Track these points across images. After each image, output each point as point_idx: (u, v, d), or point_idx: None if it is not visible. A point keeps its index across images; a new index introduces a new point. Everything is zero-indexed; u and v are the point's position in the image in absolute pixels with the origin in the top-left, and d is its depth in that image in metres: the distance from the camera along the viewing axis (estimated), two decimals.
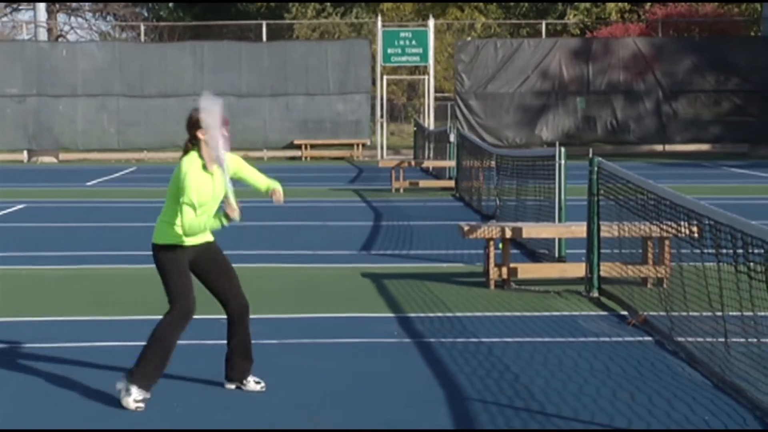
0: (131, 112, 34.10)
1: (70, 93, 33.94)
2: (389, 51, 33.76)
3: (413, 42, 33.90)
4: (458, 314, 9.15)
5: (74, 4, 53.13)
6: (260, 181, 6.87)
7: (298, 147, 34.48)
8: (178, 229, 6.38)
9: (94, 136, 34.03)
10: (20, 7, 51.80)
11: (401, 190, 21.66)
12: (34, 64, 34.02)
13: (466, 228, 10.88)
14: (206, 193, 6.40)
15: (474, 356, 7.60)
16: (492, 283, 10.40)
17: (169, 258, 6.42)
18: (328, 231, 15.31)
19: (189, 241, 6.48)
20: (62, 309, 9.58)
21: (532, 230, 11.11)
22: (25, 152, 33.85)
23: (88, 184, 24.34)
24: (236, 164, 6.71)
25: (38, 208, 18.61)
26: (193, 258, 6.56)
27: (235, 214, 6.42)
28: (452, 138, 22.15)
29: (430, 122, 33.52)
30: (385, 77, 34.71)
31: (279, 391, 6.74)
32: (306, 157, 34.22)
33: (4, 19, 52.40)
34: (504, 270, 10.45)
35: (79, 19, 53.68)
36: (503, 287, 10.41)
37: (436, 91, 35.59)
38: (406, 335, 8.35)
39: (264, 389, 6.74)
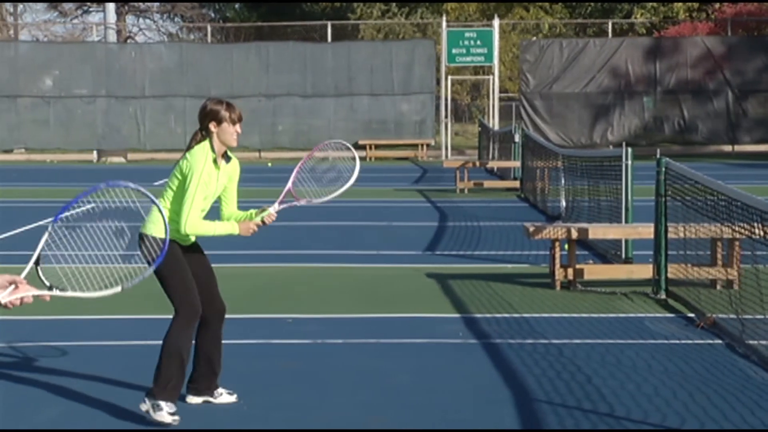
0: (196, 112, 34.22)
1: (138, 94, 34.35)
2: (454, 51, 33.67)
3: (478, 42, 33.77)
4: (525, 315, 9.08)
5: (143, 6, 53.79)
6: (232, 205, 6.34)
7: (363, 147, 34.52)
8: (176, 225, 5.99)
9: (161, 136, 34.41)
10: (90, 9, 52.58)
11: (465, 191, 21.58)
12: (103, 66, 34.49)
13: (531, 229, 10.79)
14: (211, 189, 6.11)
15: (543, 357, 7.53)
16: (558, 284, 10.31)
17: (168, 255, 5.78)
18: (393, 231, 15.29)
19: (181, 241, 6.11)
20: (128, 308, 9.67)
21: (598, 231, 10.99)
22: (95, 152, 34.32)
23: (156, 183, 24.57)
24: (235, 173, 6.33)
25: (108, 207, 18.84)
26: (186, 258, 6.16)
27: (269, 220, 6.21)
28: (517, 138, 22.02)
29: (494, 122, 33.37)
30: (449, 77, 34.63)
31: (342, 391, 6.73)
32: (370, 158, 34.25)
33: (75, 21, 53.21)
34: (570, 271, 10.35)
35: (148, 21, 54.39)
36: (569, 288, 10.31)
37: (500, 91, 35.43)
38: (471, 336, 8.30)
39: (237, 400, 6.33)
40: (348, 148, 6.71)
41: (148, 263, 4.44)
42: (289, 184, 6.49)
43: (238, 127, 6.19)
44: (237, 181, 6.37)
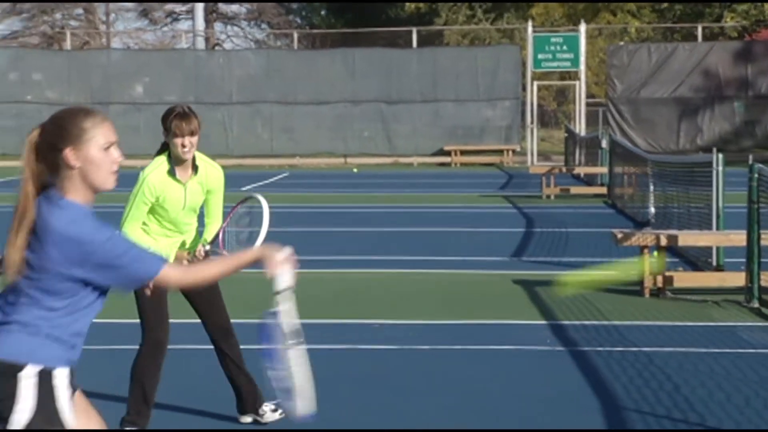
0: (284, 118, 34.72)
1: (225, 100, 34.79)
2: (540, 56, 33.46)
3: (564, 47, 33.52)
4: (614, 322, 8.97)
5: (231, 13, 54.51)
6: (212, 217, 6.08)
7: (448, 153, 34.49)
8: (160, 242, 5.77)
9: (248, 142, 34.79)
10: (180, 17, 53.45)
11: (552, 197, 21.42)
12: (192, 73, 35.01)
13: (619, 235, 10.67)
14: (172, 202, 5.77)
15: (632, 365, 7.43)
16: (647, 291, 10.16)
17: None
18: (478, 237, 15.24)
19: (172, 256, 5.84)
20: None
21: (688, 238, 10.82)
22: None
23: (243, 189, 24.88)
24: (214, 183, 5.99)
25: None
26: None
27: (199, 255, 5.81)
28: (604, 144, 21.79)
29: (581, 128, 33.08)
30: (535, 83, 34.42)
31: (428, 396, 6.72)
32: (456, 163, 34.19)
33: (165, 29, 54.15)
34: (659, 278, 10.20)
35: (235, 28, 55.06)
36: (658, 296, 10.16)
37: (587, 96, 35.10)
38: (558, 343, 8.23)
39: (282, 416, 6.00)
40: (252, 197, 6.16)
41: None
42: (220, 235, 6.05)
43: (186, 139, 5.67)
44: (219, 193, 6.06)
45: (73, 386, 3.51)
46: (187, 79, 34.95)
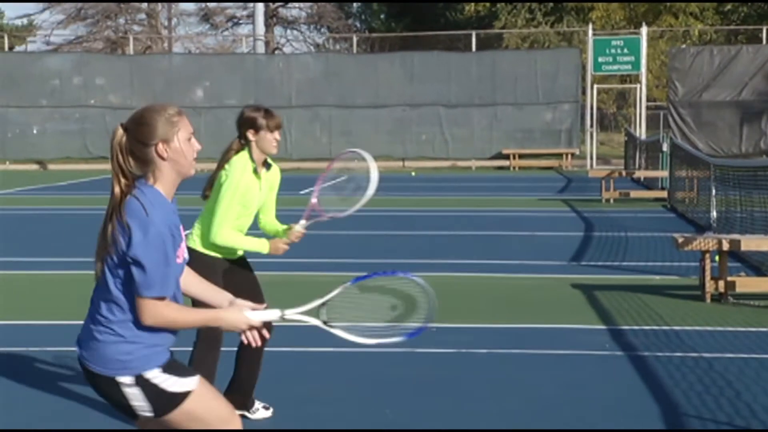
0: (342, 122, 34.84)
1: (285, 104, 34.97)
2: (600, 59, 33.21)
3: (625, 50, 33.23)
4: (674, 327, 8.87)
5: (290, 17, 54.84)
6: (270, 215, 6.21)
7: (506, 157, 34.37)
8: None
9: (307, 145, 34.95)
10: (240, 22, 53.90)
11: (611, 201, 21.25)
12: (251, 76, 35.26)
13: (680, 239, 10.55)
14: (253, 199, 5.96)
15: (692, 371, 7.35)
16: (708, 296, 10.04)
17: (202, 269, 5.18)
18: (537, 241, 15.17)
19: (220, 254, 5.94)
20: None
21: (751, 242, 10.66)
22: None
23: (302, 192, 25.00)
24: (275, 182, 6.18)
25: None
26: (225, 273, 5.95)
27: (296, 238, 5.92)
28: (665, 147, 21.57)
29: (641, 131, 32.78)
30: (595, 86, 34.17)
31: (486, 401, 6.70)
32: (514, 167, 34.07)
33: (225, 33, 54.61)
34: (721, 283, 10.08)
35: (295, 32, 55.37)
36: (720, 301, 10.03)
37: (647, 99, 34.78)
38: (617, 347, 8.16)
39: (272, 415, 6.17)
40: (364, 158, 6.24)
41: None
42: (314, 200, 6.14)
43: (276, 134, 5.99)
44: (276, 190, 6.26)
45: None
46: (246, 83, 35.20)
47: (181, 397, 3.86)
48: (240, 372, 6.16)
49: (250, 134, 5.94)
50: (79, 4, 51.55)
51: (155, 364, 3.84)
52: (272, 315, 4.04)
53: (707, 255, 10.11)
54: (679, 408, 6.46)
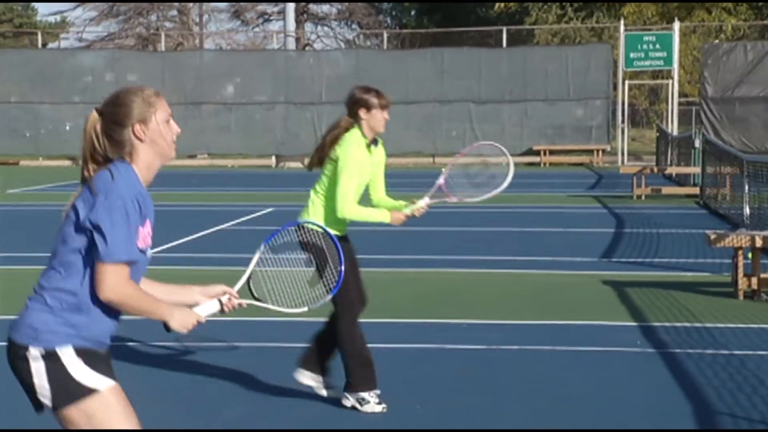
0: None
1: (315, 100, 35.04)
2: (631, 55, 33.05)
3: (657, 45, 33.05)
4: (706, 324, 8.82)
5: (321, 13, 54.90)
6: (381, 191, 6.47)
7: (537, 153, 34.27)
8: (334, 214, 6.10)
9: None
10: (271, 18, 54.02)
11: (643, 197, 21.14)
12: (282, 73, 35.32)
13: (713, 236, 10.48)
14: (365, 174, 6.23)
15: (724, 369, 7.30)
16: (741, 293, 9.97)
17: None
18: (568, 237, 15.11)
19: (335, 231, 6.03)
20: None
21: None
22: (273, 157, 35.18)
23: None
24: (382, 159, 6.45)
25: (286, 211, 19.27)
26: None
27: (418, 213, 6.26)
28: (697, 143, 21.44)
29: (673, 127, 32.58)
30: (626, 82, 34.01)
31: (516, 398, 6.69)
32: (545, 163, 33.96)
33: (256, 29, 54.76)
34: (754, 280, 10.00)
35: (326, 28, 55.43)
36: (753, 298, 9.96)
37: (680, 95, 34.55)
38: (649, 345, 8.12)
39: (330, 395, 6.36)
40: (503, 153, 6.70)
41: (327, 289, 4.51)
42: (441, 180, 6.51)
43: (386, 113, 6.26)
44: (384, 167, 6.48)
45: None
46: (277, 79, 35.27)
47: (86, 391, 3.56)
48: (321, 336, 6.37)
49: (362, 113, 6.19)
50: (111, 1, 51.85)
51: (71, 343, 3.57)
52: (215, 306, 3.89)
53: (740, 252, 10.03)
54: (711, 406, 6.41)
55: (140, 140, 3.67)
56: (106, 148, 3.65)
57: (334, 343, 6.30)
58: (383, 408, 6.19)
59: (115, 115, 3.66)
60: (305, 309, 4.26)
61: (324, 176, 6.23)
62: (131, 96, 3.68)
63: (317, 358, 6.36)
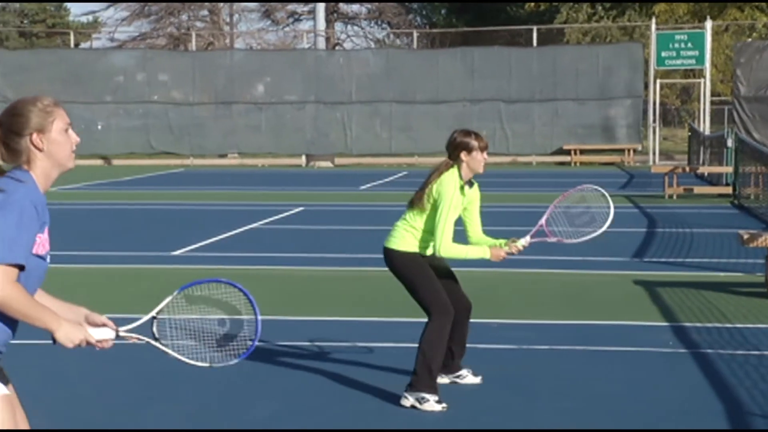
0: (402, 117, 34.83)
1: (345, 99, 35.07)
2: (663, 54, 32.86)
3: (689, 44, 32.85)
4: (738, 325, 8.77)
5: (351, 13, 54.97)
6: (478, 229, 6.84)
7: (567, 152, 34.15)
8: (421, 242, 6.50)
9: (367, 141, 35.00)
10: (301, 17, 54.14)
11: (674, 197, 21.03)
12: (312, 72, 35.38)
13: (745, 236, 10.42)
14: (456, 213, 6.53)
15: (756, 369, 7.26)
16: None
17: (412, 264, 6.49)
18: (599, 237, 15.01)
19: (425, 252, 6.57)
20: (337, 309, 9.89)
21: None
22: (303, 157, 35.25)
23: (362, 187, 25.07)
24: (477, 198, 6.79)
25: (315, 210, 19.33)
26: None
27: (516, 250, 6.62)
28: (730, 143, 21.30)
29: (705, 126, 32.38)
30: (657, 81, 33.83)
31: (548, 397, 6.67)
32: (575, 163, 33.84)
33: (286, 29, 54.90)
34: None
35: (356, 28, 55.48)
36: None
37: (712, 94, 34.33)
38: (681, 345, 8.08)
39: (481, 381, 6.85)
40: (605, 197, 7.01)
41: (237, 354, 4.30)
42: (543, 221, 6.82)
43: (485, 154, 6.57)
44: (479, 206, 6.79)
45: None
46: (307, 78, 35.34)
47: None
48: (454, 340, 6.70)
49: (463, 155, 6.52)
50: (143, 1, 52.15)
51: None
52: (109, 333, 3.80)
53: None
54: (743, 407, 6.38)
55: (38, 149, 3.67)
56: (4, 157, 3.68)
57: (461, 341, 6.79)
58: (443, 407, 6.34)
59: (13, 124, 3.68)
60: (206, 365, 4.02)
61: (420, 212, 6.49)
62: (29, 106, 3.69)
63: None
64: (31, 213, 3.59)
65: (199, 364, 4.00)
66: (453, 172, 6.51)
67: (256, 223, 16.88)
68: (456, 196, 6.46)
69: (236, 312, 4.02)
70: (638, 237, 14.79)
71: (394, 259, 6.53)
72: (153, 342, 3.94)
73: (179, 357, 3.97)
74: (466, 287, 6.75)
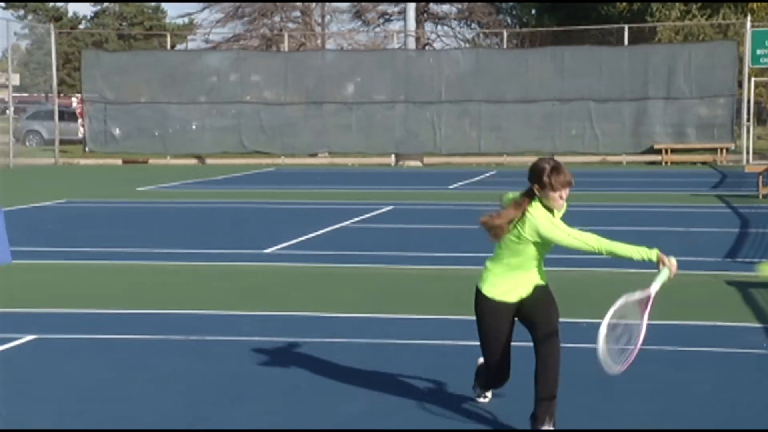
0: (492, 117, 34.78)
1: (434, 99, 35.13)
2: (758, 52, 32.27)
3: None
4: None
5: (441, 13, 55.00)
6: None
7: (658, 152, 33.75)
8: (504, 284, 5.98)
9: (456, 140, 35.02)
10: (392, 18, 54.36)
11: None
12: (402, 72, 35.52)
13: None
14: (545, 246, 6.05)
15: None
16: None
17: (488, 318, 6.00)
18: (691, 237, 14.89)
19: (514, 297, 6.03)
20: (427, 308, 9.97)
21: None
22: (393, 156, 35.41)
23: (451, 187, 25.11)
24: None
25: (404, 209, 19.44)
26: (519, 306, 6.07)
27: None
28: None
29: None
30: (752, 79, 33.22)
31: (637, 398, 6.68)
32: (667, 162, 33.43)
33: (377, 29, 55.16)
34: None
35: (445, 28, 55.50)
36: None
37: None
38: None
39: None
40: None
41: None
42: (652, 293, 6.44)
43: (564, 192, 5.88)
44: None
45: None
46: (397, 78, 35.49)
47: None
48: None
49: (535, 188, 5.87)
50: (237, 3, 52.86)
51: None
52: None
53: None
54: None
55: None
56: None
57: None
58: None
59: None
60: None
61: (506, 248, 6.01)
62: None
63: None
64: None
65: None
66: (537, 206, 5.88)
67: (346, 221, 17.05)
68: (554, 220, 5.93)
69: None
70: (731, 237, 14.60)
71: (477, 300, 6.07)
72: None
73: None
74: (556, 285, 6.75)
